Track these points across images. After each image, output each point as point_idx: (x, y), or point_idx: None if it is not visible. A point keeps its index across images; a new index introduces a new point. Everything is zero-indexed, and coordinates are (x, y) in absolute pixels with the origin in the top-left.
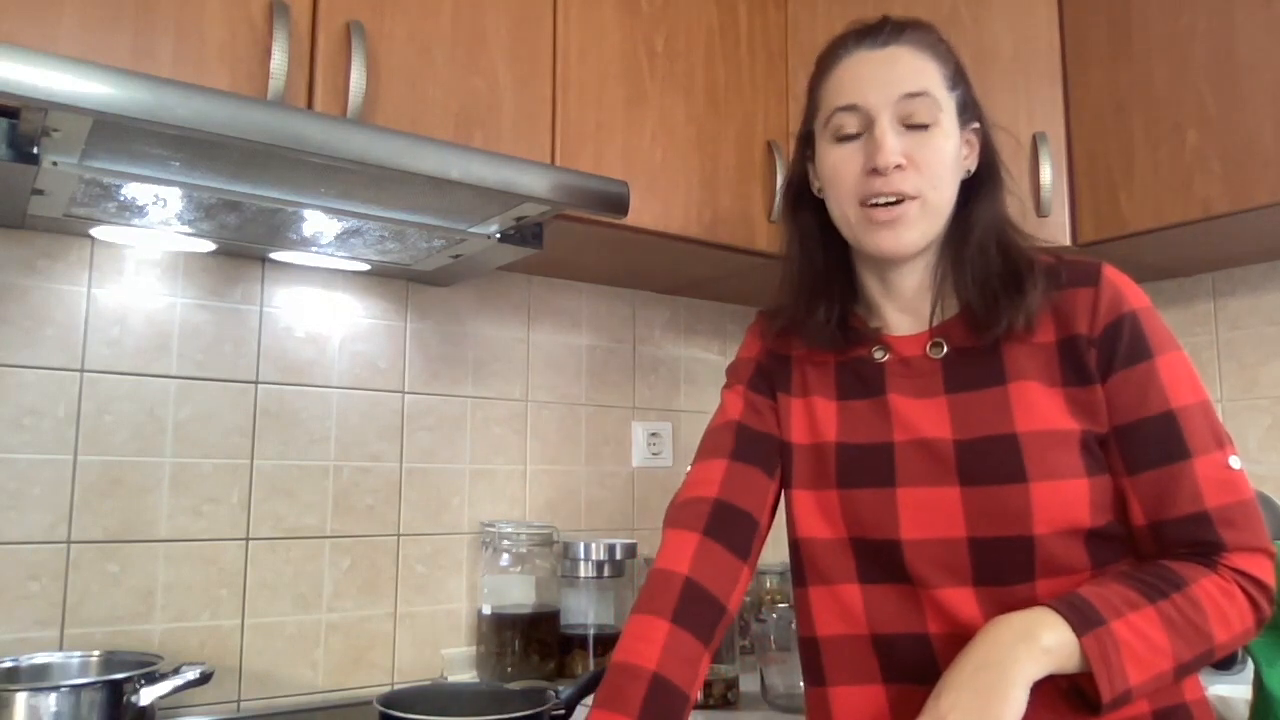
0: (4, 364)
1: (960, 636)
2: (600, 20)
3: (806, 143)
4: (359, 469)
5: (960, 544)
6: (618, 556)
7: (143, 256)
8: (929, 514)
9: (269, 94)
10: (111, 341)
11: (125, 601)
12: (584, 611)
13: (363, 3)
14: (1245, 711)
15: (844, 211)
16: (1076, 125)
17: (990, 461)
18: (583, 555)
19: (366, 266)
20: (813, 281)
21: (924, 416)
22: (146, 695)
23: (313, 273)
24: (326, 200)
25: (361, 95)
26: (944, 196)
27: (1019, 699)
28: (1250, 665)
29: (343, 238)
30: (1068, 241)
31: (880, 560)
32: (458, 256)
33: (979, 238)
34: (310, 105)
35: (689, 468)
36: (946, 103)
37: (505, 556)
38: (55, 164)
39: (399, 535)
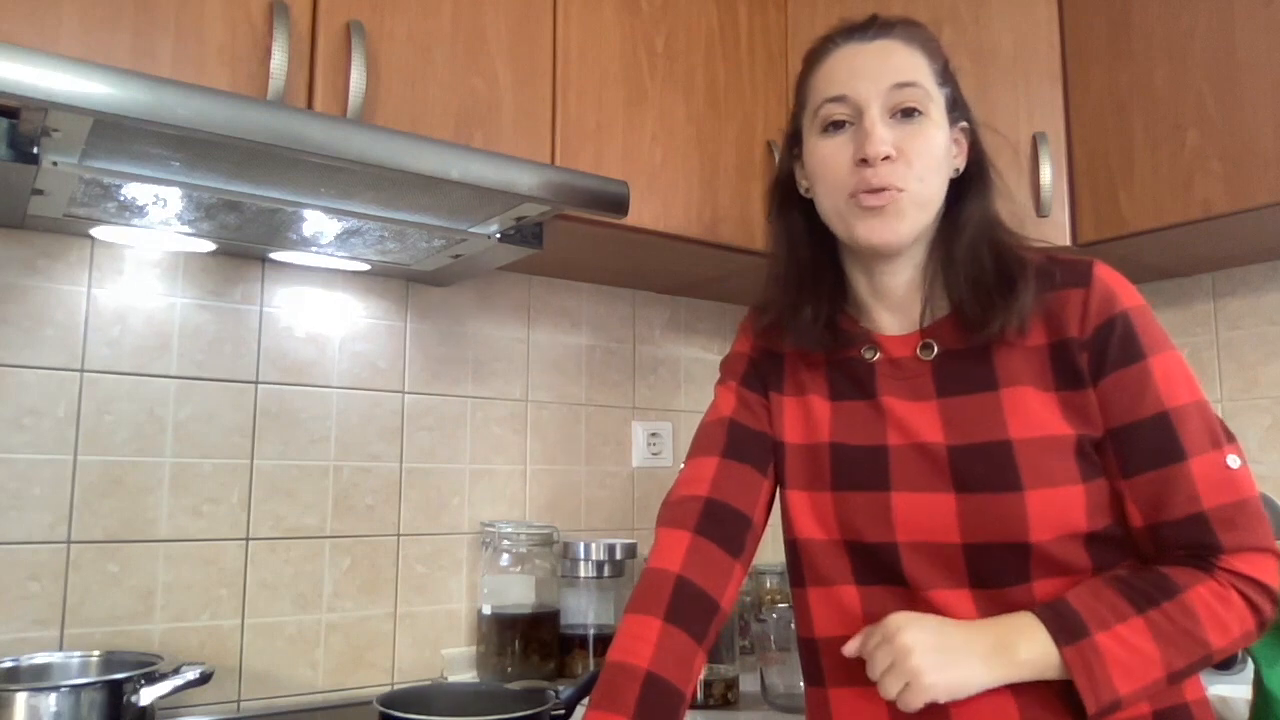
0: (4, 364)
1: None
2: (600, 20)
3: (794, 141)
4: (359, 469)
5: (955, 549)
6: (618, 556)
7: (143, 256)
8: (924, 519)
9: (269, 94)
10: (111, 341)
11: (125, 601)
12: (584, 611)
13: (363, 3)
14: (1245, 711)
15: (833, 204)
16: (1076, 125)
17: (985, 469)
18: (583, 555)
19: (366, 266)
20: (799, 281)
21: (918, 420)
22: (146, 695)
23: (313, 273)
24: (326, 200)
25: (361, 95)
26: (933, 190)
27: (961, 691)
28: (1250, 665)
29: (343, 238)
30: (1068, 241)
31: (876, 562)
32: (458, 256)
33: (970, 237)
34: (310, 105)
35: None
36: (936, 96)
37: (505, 556)
38: (55, 164)
39: (399, 535)
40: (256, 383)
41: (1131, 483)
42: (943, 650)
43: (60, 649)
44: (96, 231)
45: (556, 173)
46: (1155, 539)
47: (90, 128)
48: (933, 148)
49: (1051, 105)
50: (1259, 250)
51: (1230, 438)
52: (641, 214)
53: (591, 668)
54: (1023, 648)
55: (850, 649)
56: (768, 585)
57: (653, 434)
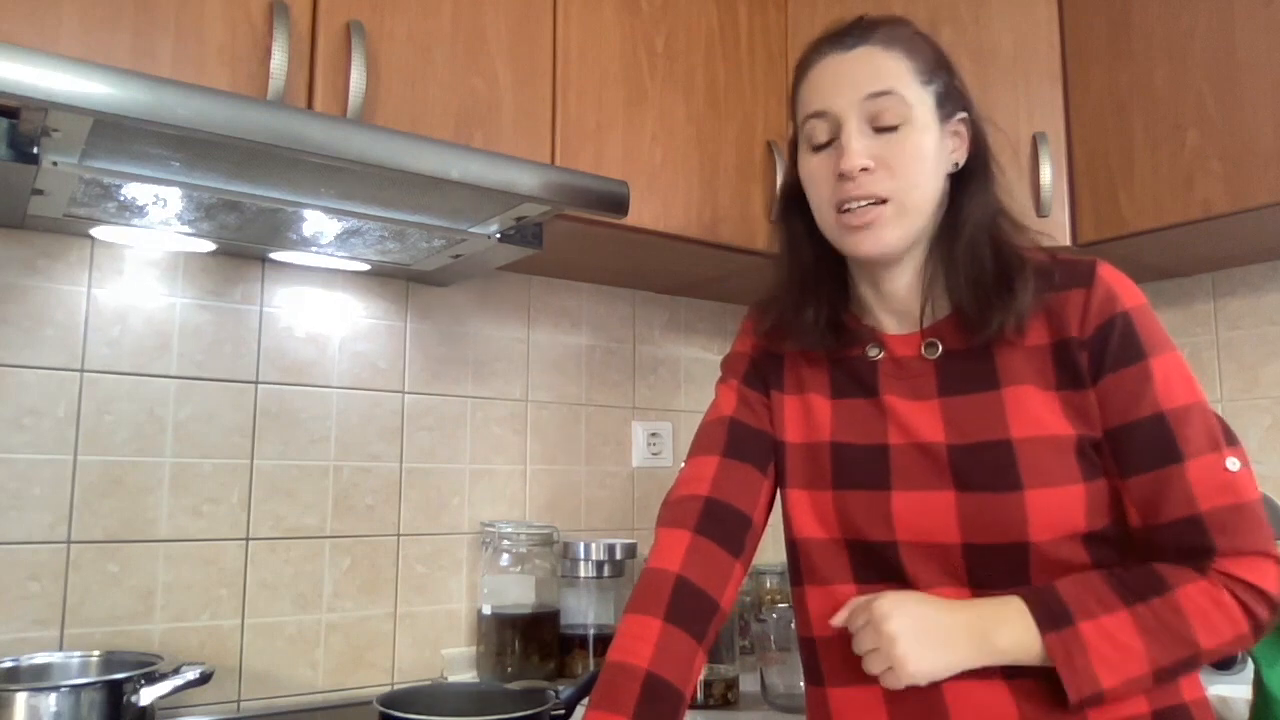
0: (4, 364)
1: None
2: (600, 20)
3: (795, 148)
4: (359, 469)
5: (955, 549)
6: (618, 556)
7: (143, 256)
8: (924, 518)
9: (269, 94)
10: (111, 341)
11: (125, 601)
12: (584, 611)
13: (363, 3)
14: (1245, 711)
15: (822, 218)
16: (1076, 125)
17: (985, 468)
18: (582, 555)
19: (366, 266)
20: (801, 283)
21: (919, 419)
22: (146, 695)
23: (313, 273)
24: (326, 200)
25: (361, 95)
26: (923, 195)
27: (943, 674)
28: (1250, 665)
29: (343, 238)
30: (1068, 241)
31: (875, 561)
32: (458, 256)
33: (969, 235)
34: (310, 105)
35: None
36: (919, 98)
37: (505, 556)
38: (55, 164)
39: (399, 535)
40: (256, 383)
41: (1129, 483)
42: (926, 636)
43: (60, 649)
44: (96, 231)
45: (556, 173)
46: (1152, 540)
47: (90, 128)
48: (917, 154)
49: (1051, 105)
50: (1259, 250)
51: (1232, 440)
52: (641, 214)
53: (591, 668)
54: (1005, 632)
55: (837, 620)
56: (768, 585)
57: (653, 434)
